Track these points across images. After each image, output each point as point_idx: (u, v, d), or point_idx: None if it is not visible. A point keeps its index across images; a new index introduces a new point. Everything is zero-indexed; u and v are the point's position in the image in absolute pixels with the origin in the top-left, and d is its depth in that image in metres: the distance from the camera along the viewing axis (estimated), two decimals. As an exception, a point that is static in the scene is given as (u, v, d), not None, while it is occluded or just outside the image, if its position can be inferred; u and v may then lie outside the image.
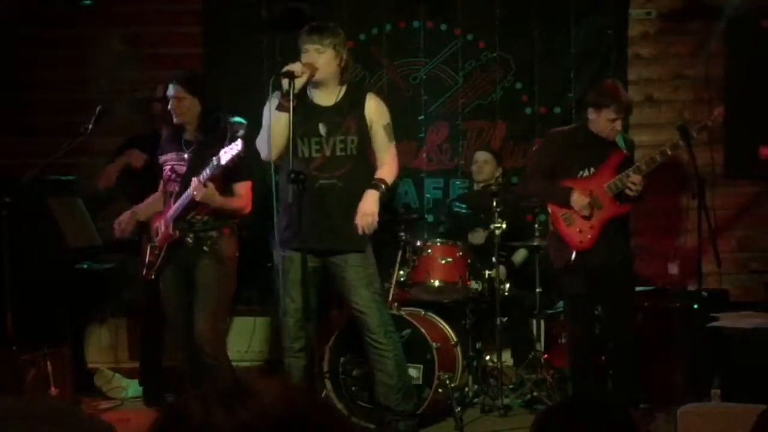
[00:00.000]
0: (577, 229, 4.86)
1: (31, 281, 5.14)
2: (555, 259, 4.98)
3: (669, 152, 4.80)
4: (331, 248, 4.41)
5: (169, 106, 4.70)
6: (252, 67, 6.34)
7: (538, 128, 6.39)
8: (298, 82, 4.25)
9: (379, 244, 5.86)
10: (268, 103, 4.41)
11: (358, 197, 4.42)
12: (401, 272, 5.38)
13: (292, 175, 4.11)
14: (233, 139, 4.33)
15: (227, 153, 4.28)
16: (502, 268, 5.48)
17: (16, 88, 6.46)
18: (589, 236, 4.84)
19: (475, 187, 6.19)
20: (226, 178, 4.51)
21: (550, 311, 5.58)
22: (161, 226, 4.68)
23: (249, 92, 5.88)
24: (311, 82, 4.38)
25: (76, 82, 6.48)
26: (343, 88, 4.47)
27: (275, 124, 4.30)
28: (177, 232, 4.60)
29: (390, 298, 5.25)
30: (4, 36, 6.40)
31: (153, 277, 4.72)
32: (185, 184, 4.55)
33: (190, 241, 4.62)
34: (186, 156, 4.66)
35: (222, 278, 4.64)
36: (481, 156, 6.10)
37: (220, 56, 6.54)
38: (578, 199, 4.84)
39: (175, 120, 4.68)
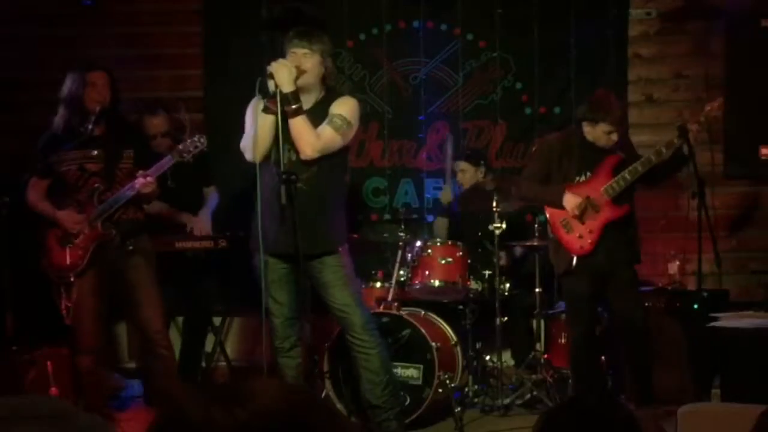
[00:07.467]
0: (577, 235, 4.87)
1: (31, 281, 5.13)
2: (557, 264, 5.00)
3: (664, 151, 4.80)
4: (306, 252, 4.27)
5: (94, 92, 4.57)
6: (252, 67, 6.32)
7: (538, 128, 6.39)
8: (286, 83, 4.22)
9: (379, 244, 5.90)
10: (250, 106, 4.40)
11: (327, 198, 4.37)
12: (401, 272, 5.38)
13: (284, 176, 4.09)
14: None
15: (190, 146, 4.51)
16: (502, 255, 5.53)
17: (16, 88, 6.45)
18: (589, 241, 4.85)
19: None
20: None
21: (550, 311, 5.58)
22: (84, 225, 4.54)
23: (248, 92, 5.86)
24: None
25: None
26: (322, 94, 4.41)
27: (262, 127, 4.26)
28: (111, 231, 4.54)
29: (390, 298, 5.25)
30: (3, 36, 6.40)
31: (72, 279, 4.54)
32: (108, 180, 4.53)
33: (117, 239, 4.56)
34: (96, 153, 4.56)
35: (154, 275, 4.68)
36: (458, 165, 6.05)
37: (220, 56, 6.54)
38: (570, 199, 4.84)
39: (91, 104, 4.56)
